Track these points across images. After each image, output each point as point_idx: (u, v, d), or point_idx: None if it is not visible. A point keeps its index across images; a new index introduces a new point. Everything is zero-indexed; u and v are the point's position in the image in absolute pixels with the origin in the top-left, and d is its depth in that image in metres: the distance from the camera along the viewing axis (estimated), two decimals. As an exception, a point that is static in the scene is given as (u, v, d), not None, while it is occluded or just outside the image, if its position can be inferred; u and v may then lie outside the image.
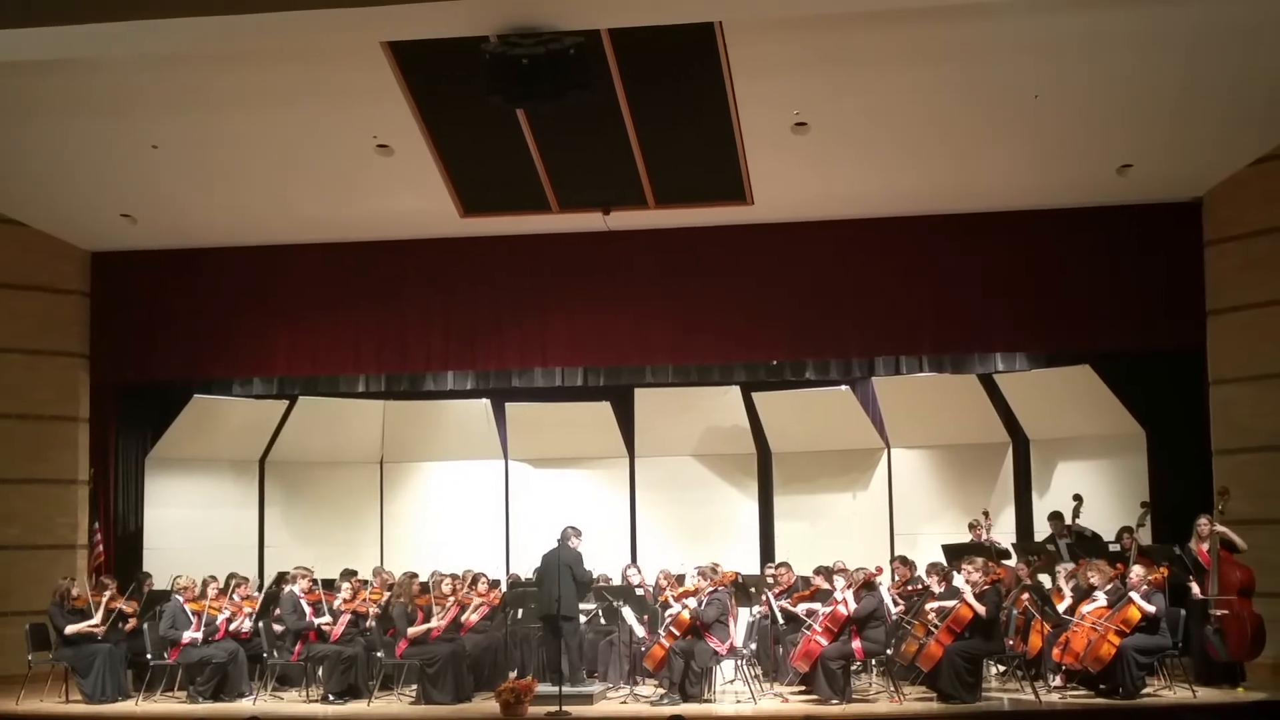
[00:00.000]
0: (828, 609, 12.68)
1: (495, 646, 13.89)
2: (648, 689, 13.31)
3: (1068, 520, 14.82)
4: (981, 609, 12.08)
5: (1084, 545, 14.36)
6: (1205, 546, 12.64)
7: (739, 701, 12.79)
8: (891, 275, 15.36)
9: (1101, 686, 12.19)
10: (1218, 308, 14.61)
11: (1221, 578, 12.43)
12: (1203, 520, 12.78)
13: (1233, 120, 13.20)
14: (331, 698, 13.05)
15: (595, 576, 14.13)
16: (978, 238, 15.20)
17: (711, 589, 12.91)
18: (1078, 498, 14.79)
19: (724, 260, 15.57)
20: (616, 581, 14.59)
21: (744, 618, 13.92)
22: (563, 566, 13.14)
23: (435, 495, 18.14)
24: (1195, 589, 12.58)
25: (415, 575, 14.00)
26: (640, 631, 13.39)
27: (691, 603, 12.88)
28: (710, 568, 13.24)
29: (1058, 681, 12.68)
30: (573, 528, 13.55)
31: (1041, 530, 15.73)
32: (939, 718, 11.83)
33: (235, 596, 13.95)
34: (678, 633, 12.75)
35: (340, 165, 14.15)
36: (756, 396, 17.28)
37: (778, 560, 15.35)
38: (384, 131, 13.53)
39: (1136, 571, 12.25)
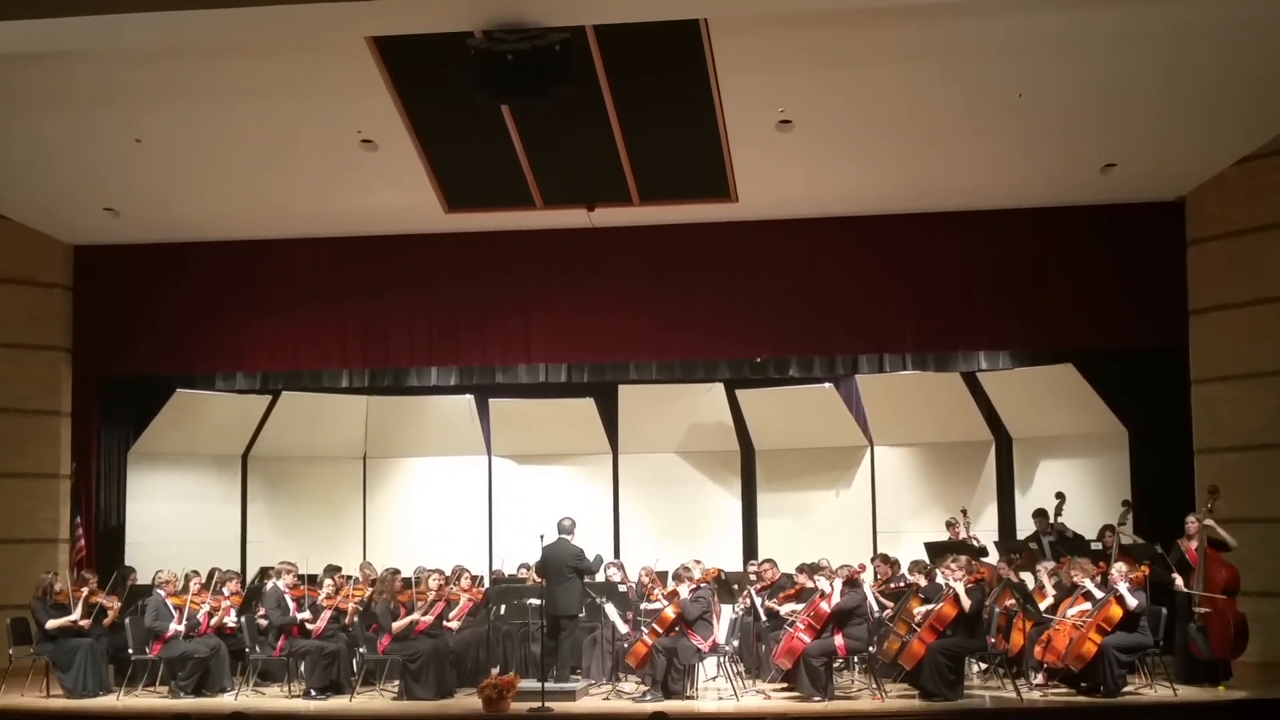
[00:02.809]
0: (809, 608, 12.68)
1: (478, 642, 13.86)
2: (630, 686, 13.31)
3: (1051, 518, 14.85)
4: (968, 602, 12.11)
5: (1066, 543, 14.40)
6: (1194, 545, 12.66)
7: (721, 698, 12.79)
8: (875, 273, 15.40)
9: (1083, 685, 12.22)
10: (1200, 307, 14.66)
11: (1207, 576, 12.47)
12: (1192, 519, 12.81)
13: (1216, 119, 13.23)
14: (313, 693, 13.02)
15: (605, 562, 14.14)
16: (962, 236, 15.26)
17: (694, 586, 12.91)
18: (1060, 495, 14.83)
19: (708, 257, 15.59)
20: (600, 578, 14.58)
21: (726, 615, 13.92)
22: (563, 565, 13.08)
23: (419, 491, 18.10)
24: (1180, 585, 12.60)
25: (398, 571, 13.97)
26: (623, 628, 13.39)
27: (683, 591, 12.86)
28: (684, 567, 13.19)
29: (1039, 679, 12.70)
30: (569, 519, 13.44)
31: (1024, 528, 15.77)
32: (921, 715, 11.85)
33: (224, 590, 13.92)
34: (660, 630, 12.74)
35: (324, 160, 14.11)
36: (740, 394, 17.29)
37: (760, 557, 15.35)
38: (368, 127, 13.49)
39: (1119, 569, 12.28)
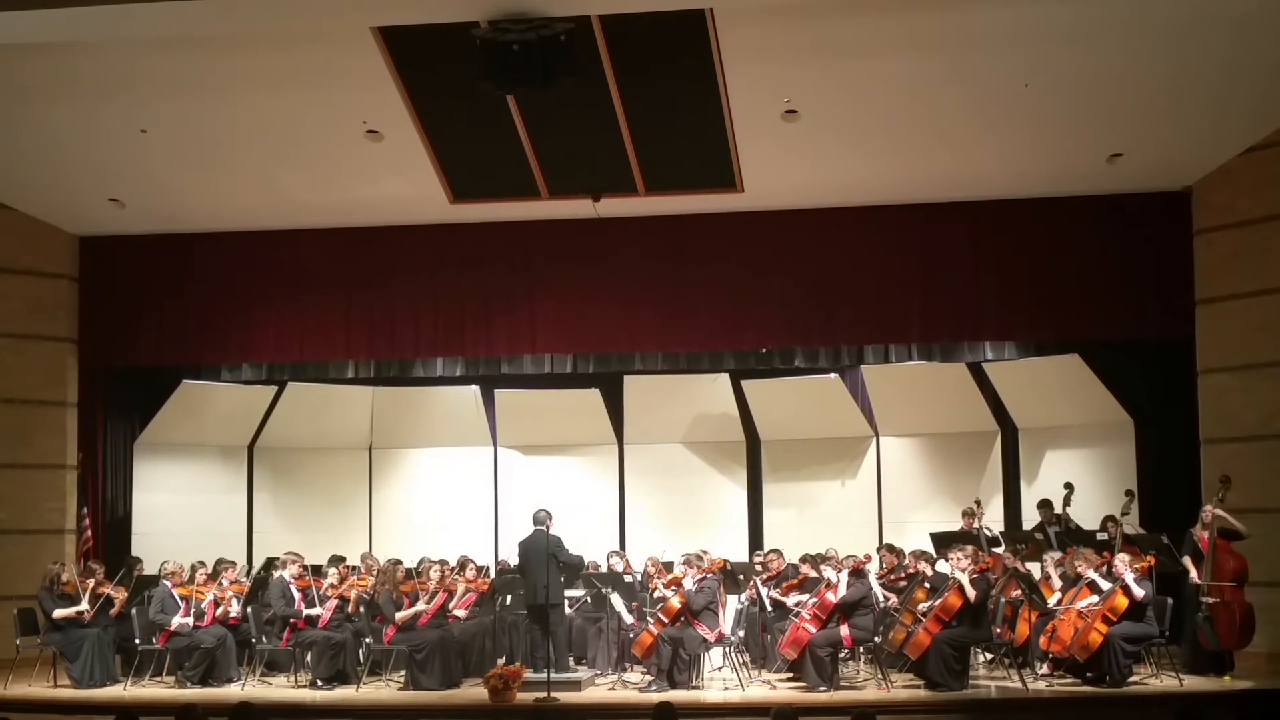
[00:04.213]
0: (815, 598, 12.68)
1: (483, 633, 13.89)
2: (636, 675, 13.32)
3: (1058, 509, 14.83)
4: (973, 593, 12.11)
5: (1070, 535, 14.39)
6: (1207, 534, 12.66)
7: (727, 688, 12.80)
8: (881, 263, 15.39)
9: (1088, 674, 12.23)
10: (1207, 297, 14.64)
11: (1216, 566, 12.47)
12: (1207, 508, 12.80)
13: (1223, 109, 13.21)
14: (320, 683, 13.05)
15: (586, 563, 14.12)
16: (967, 226, 15.24)
17: (700, 576, 12.91)
18: (1069, 486, 14.81)
19: (714, 248, 15.58)
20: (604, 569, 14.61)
21: (732, 605, 13.92)
22: (543, 554, 13.09)
23: (424, 481, 18.13)
24: (1194, 575, 12.61)
25: (399, 562, 13.98)
26: (628, 618, 13.40)
27: (688, 582, 12.88)
28: (696, 555, 13.24)
29: (1045, 669, 12.71)
30: (545, 510, 13.45)
31: (1030, 519, 15.76)
32: (926, 705, 11.85)
33: (224, 581, 13.94)
34: (666, 620, 12.75)
35: (330, 151, 14.12)
36: (746, 384, 17.27)
37: (766, 548, 15.36)
38: (374, 117, 13.49)
39: (1123, 559, 12.28)
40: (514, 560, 15.45)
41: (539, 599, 12.96)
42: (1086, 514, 14.85)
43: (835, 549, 14.01)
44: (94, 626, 13.47)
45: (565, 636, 13.37)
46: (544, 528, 13.23)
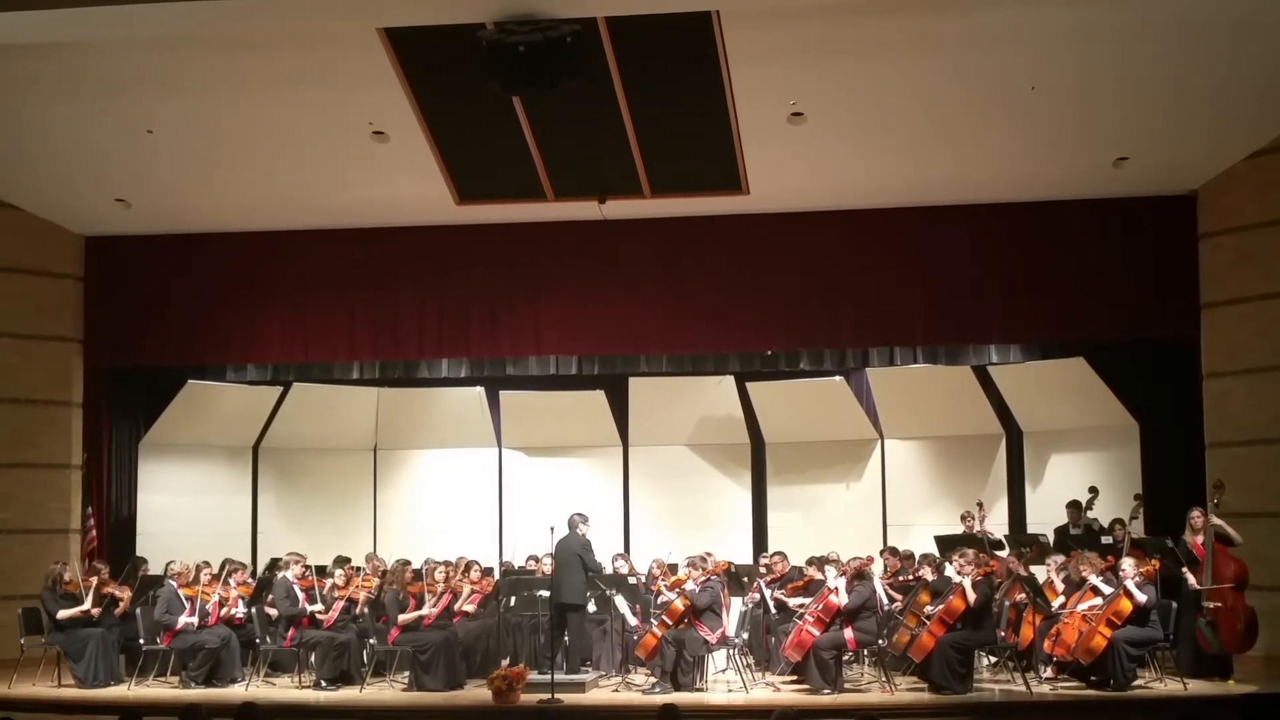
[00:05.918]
0: (819, 603, 12.65)
1: (488, 634, 13.88)
2: (640, 677, 13.32)
3: (1081, 512, 14.79)
4: (974, 596, 12.10)
5: (1090, 538, 14.33)
6: (1199, 539, 12.64)
7: (731, 690, 12.79)
8: (886, 266, 15.39)
9: (1092, 678, 12.20)
10: (1212, 300, 14.64)
11: (1215, 570, 12.44)
12: (1195, 513, 12.78)
13: (1228, 114, 13.21)
14: (324, 684, 13.05)
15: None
16: (972, 229, 15.25)
17: (704, 578, 12.91)
18: (1094, 490, 14.77)
19: (719, 250, 15.60)
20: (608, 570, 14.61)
21: (736, 607, 13.92)
22: (571, 555, 13.19)
23: (429, 482, 18.12)
24: (1191, 581, 12.58)
25: (408, 562, 13.99)
26: (633, 620, 13.40)
27: (689, 585, 12.88)
28: (700, 557, 13.25)
29: (1049, 673, 12.68)
30: (579, 514, 13.61)
31: (1035, 522, 15.76)
32: (930, 708, 11.84)
33: (231, 582, 13.94)
34: (670, 622, 12.75)
35: (336, 151, 14.14)
36: (750, 386, 17.26)
37: (770, 550, 15.34)
38: (380, 118, 13.51)
39: (1128, 563, 12.27)
40: (518, 562, 15.58)
41: (558, 598, 13.05)
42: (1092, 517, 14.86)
43: (839, 552, 14.00)
44: (99, 626, 13.48)
45: (580, 640, 13.37)
46: (576, 530, 13.42)
